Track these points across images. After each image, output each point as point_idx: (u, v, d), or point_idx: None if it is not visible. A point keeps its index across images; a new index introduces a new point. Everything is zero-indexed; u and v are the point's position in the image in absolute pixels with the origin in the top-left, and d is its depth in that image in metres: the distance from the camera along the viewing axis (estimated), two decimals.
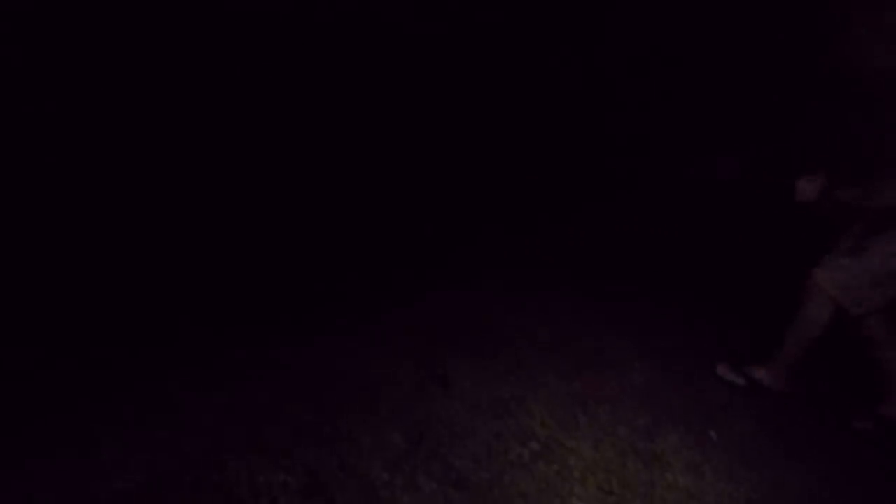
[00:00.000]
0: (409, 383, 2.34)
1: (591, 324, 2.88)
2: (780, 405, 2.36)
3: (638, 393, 2.36)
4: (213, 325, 2.78)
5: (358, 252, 3.71)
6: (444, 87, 4.62)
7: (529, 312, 2.97)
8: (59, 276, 3.05)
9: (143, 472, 1.80)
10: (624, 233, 4.20)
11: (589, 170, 4.78)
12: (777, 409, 2.34)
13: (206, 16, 3.79)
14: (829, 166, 2.04)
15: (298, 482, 1.77)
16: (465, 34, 4.47)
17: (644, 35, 4.50)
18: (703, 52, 4.36)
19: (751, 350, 2.65)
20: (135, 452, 1.93)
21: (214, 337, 2.69)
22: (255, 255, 3.53)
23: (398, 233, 4.00)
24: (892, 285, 2.00)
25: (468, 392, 2.28)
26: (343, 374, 2.40)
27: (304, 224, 3.92)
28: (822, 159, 2.06)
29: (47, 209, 3.37)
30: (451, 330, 2.76)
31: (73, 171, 3.54)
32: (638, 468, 1.93)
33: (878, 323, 2.09)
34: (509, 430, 2.08)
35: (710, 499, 1.86)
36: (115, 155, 3.67)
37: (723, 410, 2.33)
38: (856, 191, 1.94)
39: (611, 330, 2.83)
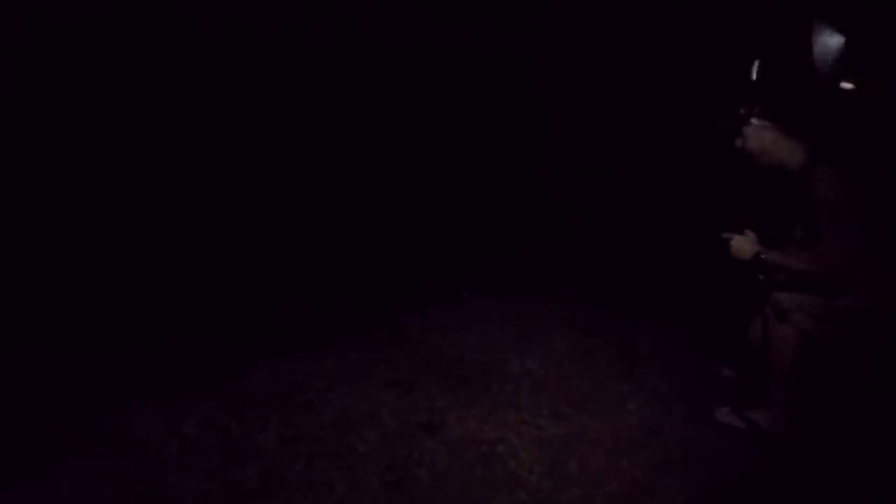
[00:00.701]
0: (389, 419, 2.19)
1: (587, 358, 2.74)
2: (780, 449, 2.22)
3: (634, 436, 2.22)
4: (182, 345, 2.65)
5: (341, 276, 3.55)
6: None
7: (522, 345, 2.83)
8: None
9: None
10: (621, 259, 4.06)
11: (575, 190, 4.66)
12: (777, 454, 2.20)
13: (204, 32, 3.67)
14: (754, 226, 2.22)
15: None
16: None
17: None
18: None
19: (752, 387, 2.51)
20: (96, 494, 1.79)
21: (182, 357, 2.55)
22: (232, 279, 3.38)
23: (380, 254, 3.85)
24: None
25: (453, 432, 2.14)
26: (320, 406, 2.26)
27: (279, 247, 3.76)
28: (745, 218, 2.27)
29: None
30: (437, 361, 2.62)
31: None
32: None
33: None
34: (495, 476, 1.94)
35: None
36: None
37: (722, 456, 2.19)
38: (774, 255, 2.09)
39: (607, 365, 2.68)
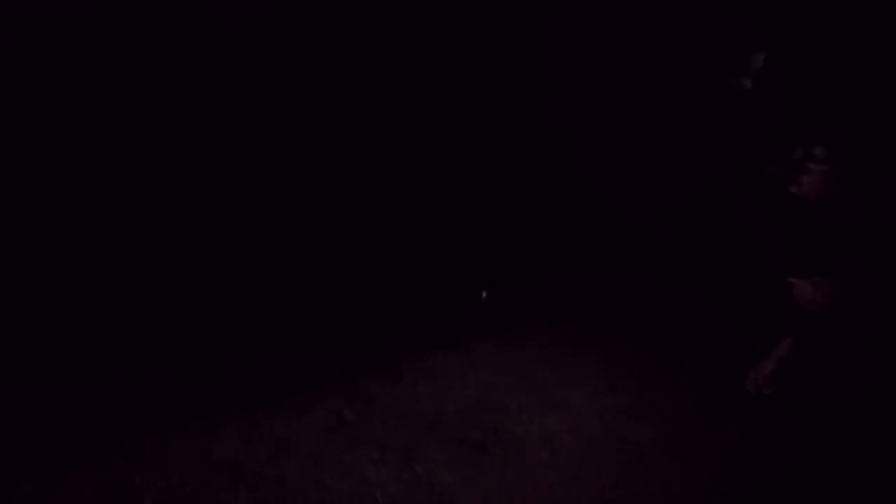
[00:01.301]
0: (385, 502, 1.81)
1: (614, 419, 2.36)
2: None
3: None
4: (135, 388, 2.28)
5: (331, 311, 3.16)
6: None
7: (538, 400, 2.45)
8: None
9: None
10: (643, 293, 3.70)
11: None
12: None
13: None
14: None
15: None
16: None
17: None
18: None
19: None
20: None
21: (135, 402, 2.18)
22: (207, 311, 3.00)
23: (376, 288, 3.45)
24: None
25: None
26: (299, 481, 1.87)
27: (259, 276, 3.37)
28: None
29: None
30: (443, 420, 2.24)
31: None
32: None
33: None
34: None
35: None
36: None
37: None
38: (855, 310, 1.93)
39: (638, 430, 2.30)
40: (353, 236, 3.72)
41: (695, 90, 4.05)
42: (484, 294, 3.07)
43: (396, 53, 3.79)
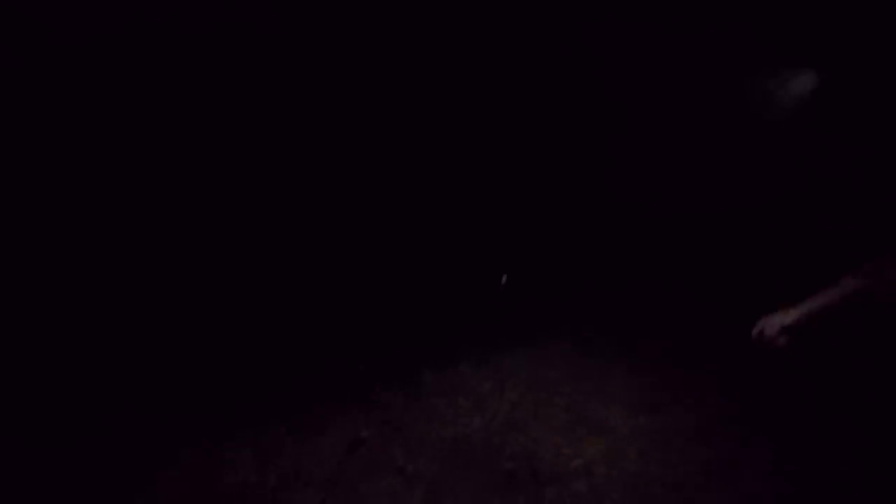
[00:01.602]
0: None
1: (658, 446, 2.14)
2: None
3: None
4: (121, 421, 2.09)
5: (343, 319, 2.96)
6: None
7: (573, 423, 2.24)
8: None
9: None
10: (675, 305, 3.48)
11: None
12: None
13: None
14: None
15: None
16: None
17: None
18: None
19: None
20: None
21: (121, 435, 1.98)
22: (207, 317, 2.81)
23: (395, 294, 3.24)
24: None
25: None
26: None
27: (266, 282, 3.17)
28: None
29: None
30: (470, 446, 2.04)
31: None
32: None
33: None
34: None
35: None
36: None
37: None
38: None
39: (684, 456, 2.09)
40: (367, 239, 3.52)
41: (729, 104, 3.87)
42: (503, 280, 2.84)
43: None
